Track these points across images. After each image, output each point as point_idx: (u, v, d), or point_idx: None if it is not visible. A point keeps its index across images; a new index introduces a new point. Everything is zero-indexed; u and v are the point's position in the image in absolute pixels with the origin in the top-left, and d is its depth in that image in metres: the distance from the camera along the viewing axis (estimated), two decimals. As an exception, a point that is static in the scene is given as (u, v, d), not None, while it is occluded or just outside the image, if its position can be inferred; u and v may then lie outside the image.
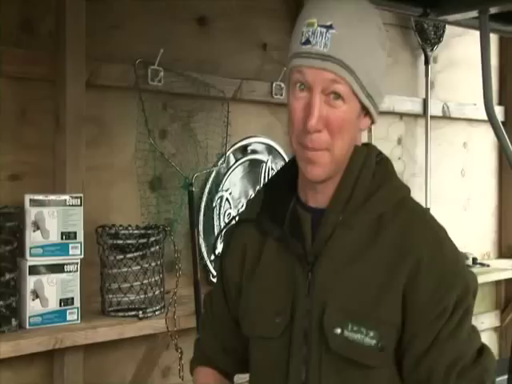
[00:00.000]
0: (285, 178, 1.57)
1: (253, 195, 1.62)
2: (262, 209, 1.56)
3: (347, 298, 1.42)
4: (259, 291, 1.54)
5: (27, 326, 2.58)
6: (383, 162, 1.52)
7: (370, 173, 1.47)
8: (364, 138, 3.67)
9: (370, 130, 3.76)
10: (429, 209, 4.02)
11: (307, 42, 1.34)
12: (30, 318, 2.58)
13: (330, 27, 1.32)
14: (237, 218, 1.74)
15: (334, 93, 1.35)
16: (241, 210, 1.59)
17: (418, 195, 4.06)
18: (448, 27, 4.17)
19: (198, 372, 1.75)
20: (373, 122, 1.49)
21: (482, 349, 1.43)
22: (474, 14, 2.82)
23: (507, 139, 3.08)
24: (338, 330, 1.39)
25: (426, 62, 4.25)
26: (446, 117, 4.43)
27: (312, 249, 1.45)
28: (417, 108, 4.27)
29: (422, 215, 1.51)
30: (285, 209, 1.53)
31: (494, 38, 4.42)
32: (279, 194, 1.55)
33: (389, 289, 1.39)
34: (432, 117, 4.27)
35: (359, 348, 1.38)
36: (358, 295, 1.41)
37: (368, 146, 1.55)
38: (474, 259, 4.30)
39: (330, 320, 1.40)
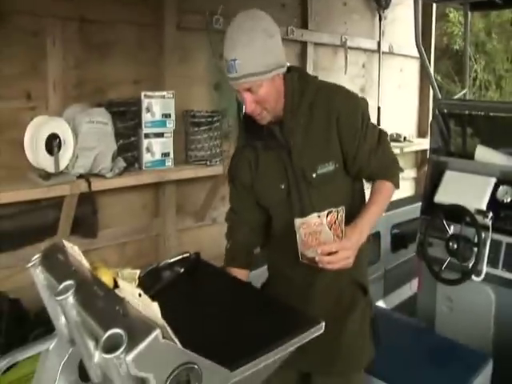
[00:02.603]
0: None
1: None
2: (247, 136, 1.71)
3: (312, 154, 1.61)
4: (266, 178, 1.69)
5: (143, 168, 2.88)
6: (300, 77, 1.63)
7: (296, 89, 1.60)
8: (341, 63, 4.13)
9: (345, 58, 4.19)
10: (379, 107, 4.52)
11: (228, 71, 1.51)
12: (145, 163, 2.89)
13: (234, 60, 1.47)
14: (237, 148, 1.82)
15: (252, 90, 1.52)
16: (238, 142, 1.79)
17: (373, 98, 4.44)
18: None
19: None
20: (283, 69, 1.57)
21: (380, 131, 1.70)
22: None
23: (429, 65, 3.42)
24: (314, 174, 1.61)
25: (380, 19, 4.63)
26: (391, 52, 4.78)
27: (283, 139, 1.62)
28: (374, 46, 4.62)
29: (331, 85, 1.66)
30: (261, 130, 1.65)
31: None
32: (254, 124, 1.65)
33: (331, 137, 1.60)
34: (383, 52, 4.65)
35: (327, 174, 1.61)
36: (317, 150, 1.60)
37: (288, 74, 1.61)
38: (405, 137, 4.75)
39: (308, 171, 1.61)
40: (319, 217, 1.44)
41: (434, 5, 4.69)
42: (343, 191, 1.67)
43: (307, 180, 1.61)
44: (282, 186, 1.64)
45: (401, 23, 4.72)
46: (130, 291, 0.99)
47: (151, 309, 0.95)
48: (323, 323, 1.30)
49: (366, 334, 1.74)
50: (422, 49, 3.18)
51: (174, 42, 3.07)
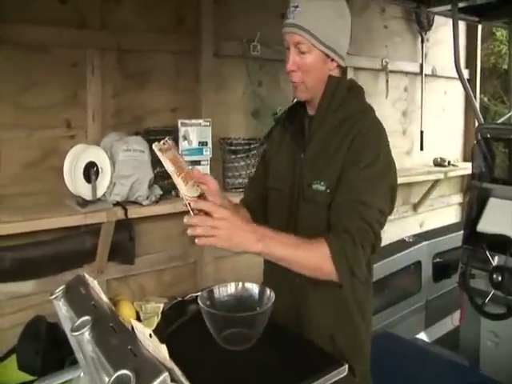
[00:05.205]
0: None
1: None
2: (287, 116, 1.67)
3: (316, 167, 1.50)
4: (279, 165, 1.64)
5: (180, 196, 2.98)
6: (354, 89, 1.57)
7: (341, 94, 1.52)
8: (382, 87, 4.04)
9: (387, 81, 4.11)
10: (422, 132, 4.46)
11: (286, 17, 1.48)
12: None
13: (296, 7, 1.45)
14: (274, 121, 1.82)
15: (300, 49, 1.46)
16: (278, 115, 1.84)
17: (415, 122, 4.45)
18: (436, 19, 4.41)
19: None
20: (339, 65, 1.53)
21: (382, 211, 1.40)
22: (449, 7, 3.08)
23: (469, 88, 3.33)
24: (308, 186, 1.50)
25: (422, 41, 4.55)
26: (434, 75, 4.69)
27: (307, 137, 1.57)
28: (416, 69, 4.54)
29: (369, 120, 1.52)
30: (298, 116, 1.63)
31: (463, 25, 4.66)
32: (297, 109, 1.63)
33: (336, 158, 1.46)
34: (426, 75, 4.58)
35: (317, 193, 1.47)
36: (321, 165, 1.49)
37: (341, 78, 1.57)
38: (449, 162, 4.61)
39: (306, 181, 1.52)
40: (164, 143, 1.29)
41: (480, 25, 4.59)
42: (325, 225, 1.44)
43: (302, 189, 1.53)
44: (287, 184, 1.58)
45: (444, 45, 4.64)
46: (142, 331, 0.98)
47: (160, 350, 0.93)
48: (346, 366, 1.27)
49: None
50: (463, 73, 3.13)
51: (211, 69, 3.10)
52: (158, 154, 1.25)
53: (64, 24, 2.59)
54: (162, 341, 0.97)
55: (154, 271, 3.03)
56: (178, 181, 1.26)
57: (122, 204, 2.64)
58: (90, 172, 2.50)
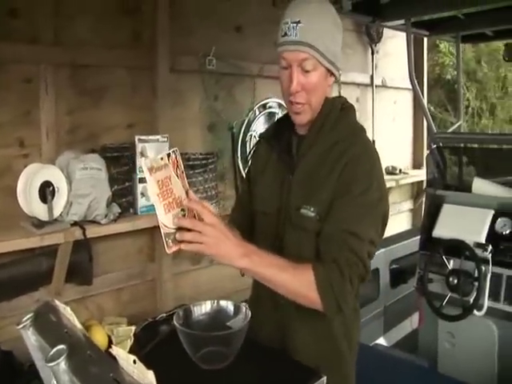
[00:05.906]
0: (288, 119, 1.55)
1: (271, 123, 1.85)
2: (273, 133, 1.62)
3: (305, 191, 1.45)
4: (265, 186, 1.59)
5: (139, 213, 2.81)
6: (346, 109, 1.54)
7: (335, 115, 1.48)
8: None
9: (339, 93, 4.02)
10: (374, 141, 4.32)
11: (285, 34, 1.39)
12: (140, 208, 2.83)
13: (298, 22, 1.37)
14: (259, 137, 1.74)
15: (305, 67, 1.40)
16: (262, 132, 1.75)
17: (367, 132, 4.64)
18: (385, 31, 4.53)
19: None
20: (336, 79, 1.50)
21: (373, 242, 1.38)
22: (402, 21, 3.15)
23: (422, 99, 3.45)
24: (296, 210, 1.45)
25: (372, 53, 4.64)
26: (384, 85, 4.80)
27: (296, 157, 1.51)
28: (367, 80, 4.64)
29: (361, 144, 1.48)
30: (285, 135, 1.57)
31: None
32: (284, 126, 1.58)
33: (327, 184, 1.42)
34: (376, 86, 4.67)
35: (305, 218, 1.42)
36: (311, 189, 1.43)
37: (335, 98, 1.55)
38: (400, 170, 4.72)
39: (294, 204, 1.47)
40: (162, 158, 1.20)
41: (426, 38, 4.73)
42: (313, 253, 1.40)
43: (289, 213, 1.47)
44: (274, 206, 1.52)
45: (393, 56, 4.76)
46: (125, 357, 0.95)
47: (146, 377, 0.91)
48: (324, 378, 1.26)
49: None
50: (416, 84, 3.20)
51: (167, 84, 3.06)
52: (146, 173, 1.16)
53: (16, 39, 2.51)
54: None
55: (113, 291, 2.97)
56: (158, 207, 1.19)
57: (80, 224, 2.56)
58: (46, 192, 2.42)
